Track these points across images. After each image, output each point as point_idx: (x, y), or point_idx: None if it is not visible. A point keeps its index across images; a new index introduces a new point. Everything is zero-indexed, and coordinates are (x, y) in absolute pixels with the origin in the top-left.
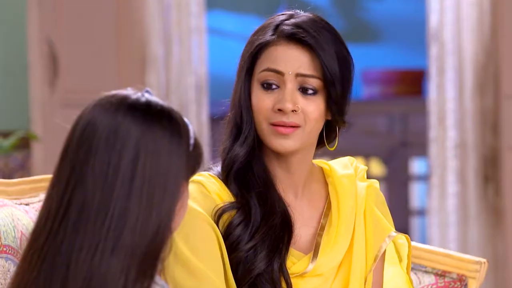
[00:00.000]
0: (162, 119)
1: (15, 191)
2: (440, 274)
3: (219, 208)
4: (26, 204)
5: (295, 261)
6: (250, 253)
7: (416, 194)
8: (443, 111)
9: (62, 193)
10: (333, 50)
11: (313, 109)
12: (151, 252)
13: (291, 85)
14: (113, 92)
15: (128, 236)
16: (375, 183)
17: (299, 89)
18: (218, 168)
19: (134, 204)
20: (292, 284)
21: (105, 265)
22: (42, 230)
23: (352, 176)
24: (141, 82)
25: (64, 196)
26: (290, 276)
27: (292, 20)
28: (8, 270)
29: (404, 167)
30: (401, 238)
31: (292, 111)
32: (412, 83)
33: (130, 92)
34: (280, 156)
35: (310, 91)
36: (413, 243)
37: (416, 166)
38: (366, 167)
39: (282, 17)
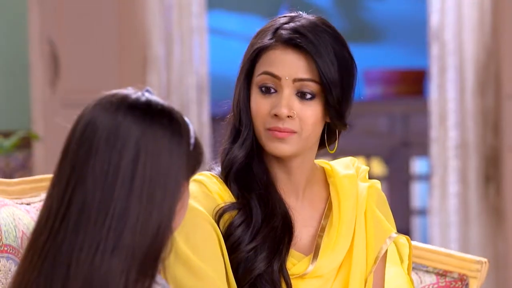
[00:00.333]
0: (163, 119)
1: (16, 191)
2: (441, 274)
3: (220, 208)
4: (27, 204)
5: (295, 262)
6: (250, 254)
7: (417, 194)
8: (444, 111)
9: (62, 192)
10: (332, 54)
11: (309, 115)
12: (152, 252)
13: (288, 91)
14: (114, 91)
15: (129, 236)
16: (377, 183)
17: (297, 94)
18: (219, 168)
19: (135, 203)
20: (292, 285)
21: (106, 265)
22: (42, 229)
23: (354, 177)
24: (142, 82)
25: (64, 196)
26: (290, 277)
27: (292, 24)
28: (9, 270)
29: (405, 167)
30: (402, 238)
31: (288, 116)
32: (413, 83)
33: (131, 92)
34: (280, 159)
35: (308, 96)
36: (414, 243)
37: (417, 166)
38: (368, 168)
39: (282, 20)
